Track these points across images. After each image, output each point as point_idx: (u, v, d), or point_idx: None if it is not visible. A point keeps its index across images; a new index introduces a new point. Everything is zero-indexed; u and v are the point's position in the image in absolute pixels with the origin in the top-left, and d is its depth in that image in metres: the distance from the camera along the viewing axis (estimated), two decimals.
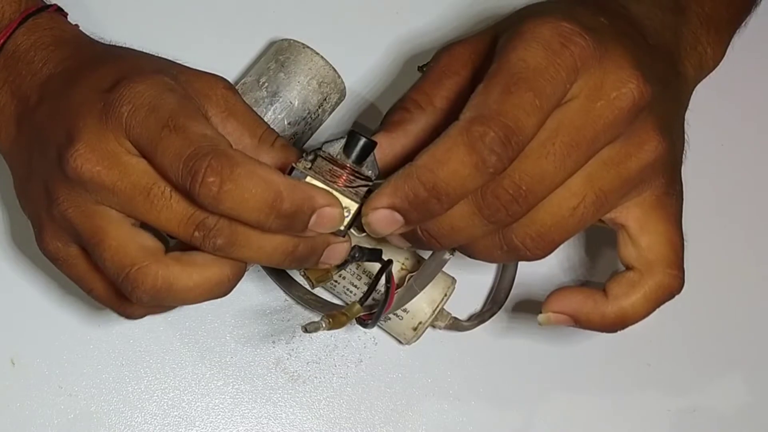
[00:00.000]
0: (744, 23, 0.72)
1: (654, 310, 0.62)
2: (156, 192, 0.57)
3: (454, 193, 0.56)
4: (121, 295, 0.60)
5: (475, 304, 0.74)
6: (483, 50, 0.61)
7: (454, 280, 0.71)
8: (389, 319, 0.70)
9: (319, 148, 0.60)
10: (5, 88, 0.63)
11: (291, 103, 0.69)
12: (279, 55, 0.70)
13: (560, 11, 0.58)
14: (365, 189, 0.59)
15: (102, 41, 0.66)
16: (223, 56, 0.71)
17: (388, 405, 0.73)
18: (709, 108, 0.73)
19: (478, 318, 0.73)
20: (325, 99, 0.70)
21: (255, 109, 0.65)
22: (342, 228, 0.59)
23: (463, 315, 0.73)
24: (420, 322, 0.70)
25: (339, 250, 0.60)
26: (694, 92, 0.68)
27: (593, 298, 0.62)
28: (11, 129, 0.63)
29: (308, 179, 0.58)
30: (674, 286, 0.62)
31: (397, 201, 0.57)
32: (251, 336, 0.72)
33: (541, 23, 0.57)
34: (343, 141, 0.59)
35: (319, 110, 0.70)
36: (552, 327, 0.63)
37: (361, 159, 0.59)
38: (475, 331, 0.73)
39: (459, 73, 0.61)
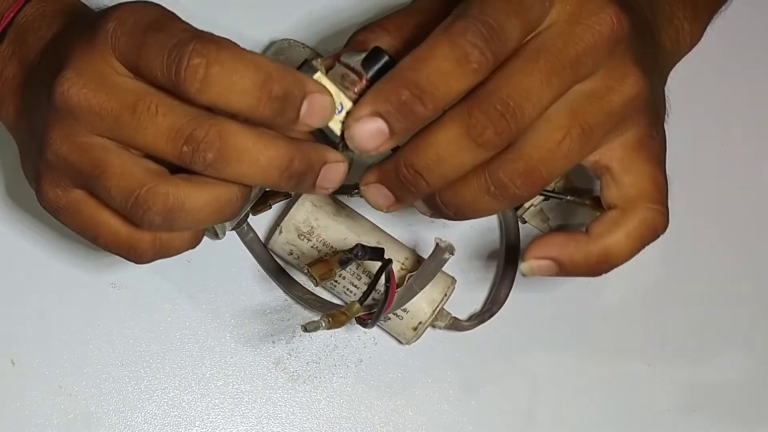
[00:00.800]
0: (725, 4, 0.72)
1: (639, 248, 0.60)
2: (142, 108, 0.55)
3: (437, 91, 0.54)
4: (129, 236, 0.58)
5: (475, 304, 0.74)
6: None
7: (454, 280, 0.71)
8: (389, 318, 0.70)
9: (339, 55, 0.58)
10: (13, 60, 0.63)
11: None
12: (279, 55, 0.70)
13: None
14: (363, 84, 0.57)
15: None
16: None
17: (388, 405, 0.73)
18: (709, 106, 0.74)
19: (478, 318, 0.73)
20: None
21: None
22: (340, 148, 0.56)
23: (463, 315, 0.73)
24: (420, 322, 0.70)
25: (336, 170, 0.57)
26: (696, 94, 0.68)
27: (575, 239, 0.60)
28: (17, 99, 0.62)
29: (319, 76, 0.56)
30: (658, 221, 0.60)
31: (380, 106, 0.54)
32: (251, 336, 0.72)
33: None
34: (363, 54, 0.57)
35: None
36: (537, 279, 0.61)
37: (379, 75, 0.56)
38: (475, 331, 0.73)
39: (432, 12, 0.59)
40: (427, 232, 0.73)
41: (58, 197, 0.58)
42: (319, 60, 0.57)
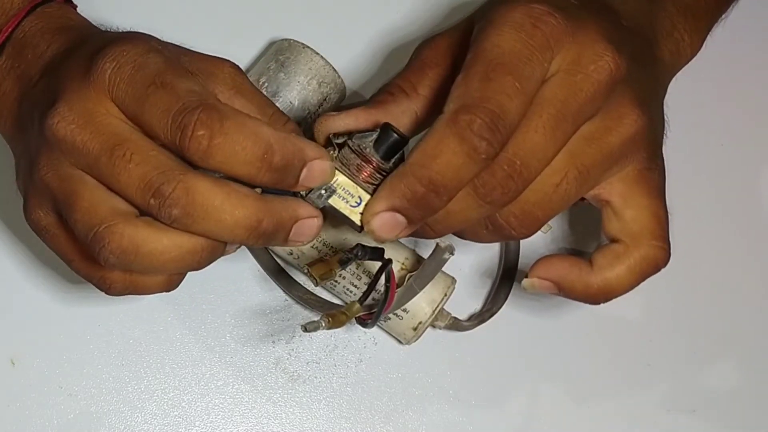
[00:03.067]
0: (725, 14, 0.72)
1: (639, 282, 0.62)
2: (118, 154, 0.56)
3: (451, 184, 0.56)
4: (100, 267, 0.58)
5: (475, 304, 0.74)
6: (461, 40, 0.60)
7: (454, 280, 0.71)
8: (389, 319, 0.70)
9: (351, 136, 0.59)
10: (11, 74, 0.63)
11: (291, 103, 0.69)
12: (279, 55, 0.70)
13: None
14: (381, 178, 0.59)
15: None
16: (224, 56, 0.71)
17: (387, 405, 0.73)
18: (707, 104, 0.74)
19: (478, 318, 0.73)
20: (325, 99, 0.70)
21: None
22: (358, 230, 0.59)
23: (463, 315, 0.73)
24: (420, 322, 0.70)
25: (309, 227, 0.58)
26: (695, 95, 0.68)
27: (579, 266, 0.62)
28: (14, 113, 0.63)
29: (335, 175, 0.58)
30: (660, 257, 0.62)
31: (396, 202, 0.57)
32: (251, 336, 0.72)
33: (512, 8, 0.57)
34: (375, 135, 0.59)
35: (319, 110, 0.70)
36: (537, 295, 0.63)
37: (389, 155, 0.59)
38: (475, 331, 0.73)
39: (440, 64, 0.61)
40: None
41: (40, 218, 0.59)
42: (333, 154, 0.59)
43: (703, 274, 0.76)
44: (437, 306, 0.70)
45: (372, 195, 0.58)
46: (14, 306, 0.71)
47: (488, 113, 0.55)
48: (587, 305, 0.63)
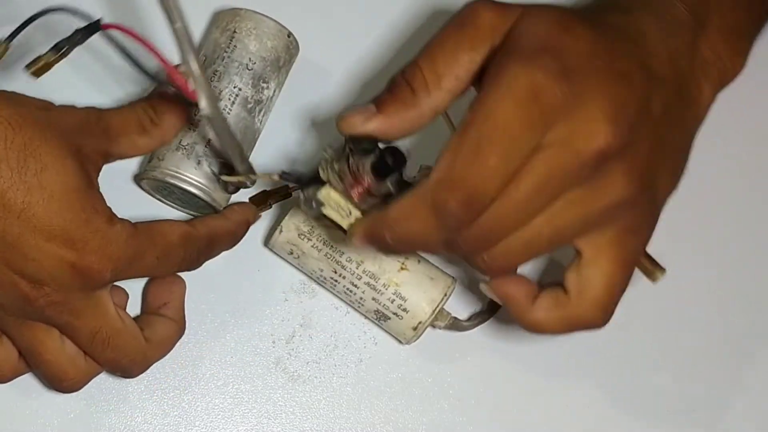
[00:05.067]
0: (765, 27, 0.70)
1: (566, 333, 0.64)
2: None
3: (417, 242, 0.59)
4: None
5: (475, 304, 0.74)
6: (506, 27, 0.60)
7: (454, 280, 0.71)
8: (389, 318, 0.70)
9: (351, 153, 0.61)
10: None
11: (249, 68, 0.69)
12: (223, 24, 0.71)
13: (559, 33, 0.59)
14: (376, 202, 0.62)
15: None
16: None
17: (387, 405, 0.73)
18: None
19: (478, 318, 0.73)
20: (284, 60, 0.71)
21: (217, 83, 0.69)
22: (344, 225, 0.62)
23: (463, 315, 0.73)
24: (420, 322, 0.70)
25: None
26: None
27: (527, 295, 0.64)
28: None
29: (326, 191, 0.62)
30: (593, 324, 0.63)
31: (369, 240, 0.60)
32: (251, 336, 0.72)
33: (522, 71, 0.57)
34: (373, 157, 0.61)
35: (280, 69, 0.71)
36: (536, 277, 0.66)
37: (384, 176, 0.61)
38: (475, 331, 0.73)
39: (476, 49, 0.60)
40: None
41: None
42: (329, 150, 0.62)
43: (702, 271, 0.76)
44: (437, 306, 0.70)
45: (360, 210, 0.62)
46: None
47: (466, 195, 0.56)
48: None
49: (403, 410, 0.73)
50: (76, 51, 0.62)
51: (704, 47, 0.65)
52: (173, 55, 0.59)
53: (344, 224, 0.62)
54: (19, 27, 0.62)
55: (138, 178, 0.70)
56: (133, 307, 0.70)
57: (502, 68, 0.57)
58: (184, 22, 0.57)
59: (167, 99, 0.61)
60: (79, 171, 0.61)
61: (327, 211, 0.62)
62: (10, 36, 0.62)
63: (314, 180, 0.63)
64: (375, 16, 0.77)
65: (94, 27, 0.61)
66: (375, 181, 0.61)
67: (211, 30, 0.72)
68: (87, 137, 0.62)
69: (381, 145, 0.61)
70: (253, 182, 0.68)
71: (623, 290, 0.63)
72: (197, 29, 0.74)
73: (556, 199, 0.59)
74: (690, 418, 0.75)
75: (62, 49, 0.61)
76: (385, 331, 0.72)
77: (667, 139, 0.62)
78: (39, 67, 0.61)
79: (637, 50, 0.61)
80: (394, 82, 0.61)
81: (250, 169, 0.67)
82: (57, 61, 0.62)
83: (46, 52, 0.61)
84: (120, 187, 0.71)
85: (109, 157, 0.64)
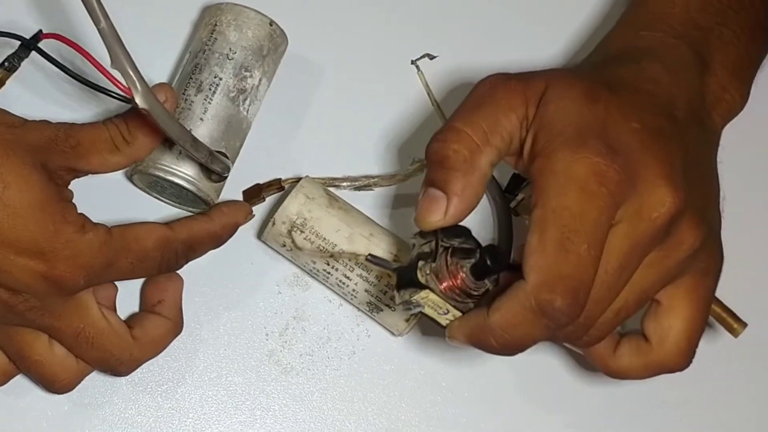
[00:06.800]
0: (765, 59, 0.72)
1: (650, 377, 0.66)
2: None
3: (525, 345, 0.60)
4: None
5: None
6: (532, 97, 0.61)
7: None
8: (381, 310, 0.70)
9: (448, 247, 0.61)
10: None
11: (230, 58, 0.70)
12: (206, 19, 0.71)
13: (589, 117, 0.60)
14: (470, 300, 0.62)
15: None
16: (160, 29, 0.73)
17: (381, 397, 0.73)
18: None
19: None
20: (267, 49, 0.71)
21: (198, 75, 0.69)
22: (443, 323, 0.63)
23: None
24: (412, 314, 0.70)
25: None
26: None
27: (608, 345, 0.65)
28: None
29: (426, 294, 0.61)
30: (675, 369, 0.65)
31: (472, 343, 0.61)
32: (244, 328, 0.72)
33: (576, 158, 0.58)
34: (473, 259, 0.61)
35: (264, 58, 0.71)
36: None
37: (482, 277, 0.62)
38: None
39: (515, 111, 0.61)
40: None
41: None
42: (416, 239, 0.63)
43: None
44: None
45: (458, 310, 0.62)
46: None
47: (569, 291, 0.57)
48: None
49: (395, 402, 0.73)
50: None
51: (712, 82, 0.67)
52: (142, 59, 0.61)
53: (442, 321, 0.63)
54: None
55: (129, 176, 0.71)
56: (133, 307, 0.71)
57: (553, 159, 0.59)
58: (109, 21, 0.58)
59: (142, 116, 0.62)
60: (45, 186, 0.61)
61: (426, 311, 0.62)
62: None
63: (411, 283, 0.62)
64: (368, 12, 0.77)
65: (35, 39, 0.63)
66: (473, 282, 0.61)
67: (198, 27, 0.72)
68: (53, 154, 0.63)
69: (475, 240, 0.62)
70: (225, 168, 0.68)
71: (702, 331, 0.65)
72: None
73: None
74: (684, 409, 0.75)
75: (9, 64, 0.64)
76: (378, 323, 0.72)
77: (706, 176, 0.65)
78: None
79: (658, 101, 0.63)
80: (439, 154, 0.61)
81: (211, 153, 0.67)
82: (7, 77, 0.64)
83: None
84: (120, 187, 0.71)
85: (77, 173, 0.64)
